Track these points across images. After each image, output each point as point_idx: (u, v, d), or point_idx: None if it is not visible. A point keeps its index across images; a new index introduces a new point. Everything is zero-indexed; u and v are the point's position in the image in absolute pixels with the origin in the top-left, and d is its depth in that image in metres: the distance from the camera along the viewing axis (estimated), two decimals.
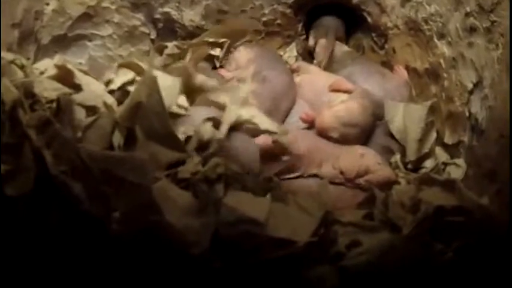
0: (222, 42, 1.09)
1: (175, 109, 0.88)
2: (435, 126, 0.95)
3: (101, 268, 0.59)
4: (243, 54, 1.05)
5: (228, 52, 1.09)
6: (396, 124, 0.95)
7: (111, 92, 0.91)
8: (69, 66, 0.84)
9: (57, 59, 0.91)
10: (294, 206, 0.64)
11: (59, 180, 0.56)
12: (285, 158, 0.87)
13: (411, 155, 0.92)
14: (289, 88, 1.00)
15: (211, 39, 1.09)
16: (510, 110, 0.69)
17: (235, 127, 0.86)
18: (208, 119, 0.84)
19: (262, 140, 0.85)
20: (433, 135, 0.94)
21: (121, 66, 0.95)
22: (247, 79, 0.99)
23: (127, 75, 0.93)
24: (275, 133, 0.87)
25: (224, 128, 0.83)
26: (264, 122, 0.88)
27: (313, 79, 1.04)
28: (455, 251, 0.61)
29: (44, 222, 0.57)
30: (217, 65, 1.08)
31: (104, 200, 0.57)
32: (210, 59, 1.09)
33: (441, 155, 0.94)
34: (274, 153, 0.86)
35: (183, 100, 0.91)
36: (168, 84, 0.89)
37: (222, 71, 1.03)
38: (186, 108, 0.89)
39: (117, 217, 0.58)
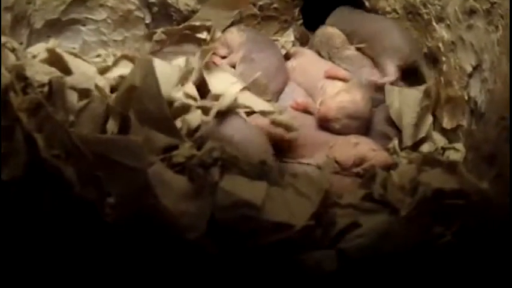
0: (209, 26, 1.07)
1: (184, 99, 0.86)
2: (430, 111, 0.94)
3: (95, 253, 0.58)
4: (235, 37, 1.04)
5: (215, 34, 1.07)
6: (394, 109, 0.94)
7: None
8: (59, 50, 0.83)
9: (52, 43, 0.90)
10: (291, 189, 0.63)
11: (51, 164, 0.55)
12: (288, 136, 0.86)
13: (407, 140, 0.91)
14: (277, 71, 0.99)
15: (197, 23, 1.08)
16: (510, 93, 0.68)
17: (230, 112, 0.85)
18: (198, 107, 0.83)
19: (257, 120, 0.84)
20: (429, 119, 0.94)
21: (123, 57, 0.93)
22: (237, 63, 0.99)
23: (127, 67, 0.92)
24: (272, 113, 0.86)
25: (212, 114, 0.82)
26: (259, 104, 0.87)
27: (307, 64, 1.03)
28: (454, 234, 0.60)
29: (36, 207, 0.57)
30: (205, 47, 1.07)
31: (97, 184, 0.56)
32: (198, 42, 1.08)
33: (439, 139, 0.93)
34: (274, 134, 0.85)
35: (193, 90, 0.89)
36: (167, 72, 0.88)
37: (216, 59, 1.02)
38: (196, 99, 0.88)
39: (111, 201, 0.57)
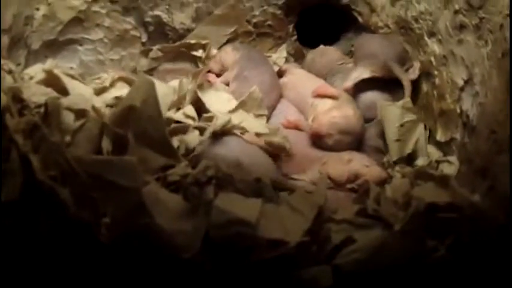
0: (204, 44, 1.09)
1: (183, 119, 0.88)
2: (418, 125, 0.94)
3: (91, 274, 0.59)
4: (229, 55, 1.05)
5: (210, 52, 1.09)
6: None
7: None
8: (56, 71, 0.84)
9: (49, 63, 0.91)
10: (286, 206, 0.64)
11: (46, 186, 0.55)
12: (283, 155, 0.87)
13: (393, 156, 0.92)
14: (270, 87, 1.00)
15: (193, 41, 1.09)
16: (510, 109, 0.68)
17: (226, 133, 0.85)
18: (195, 128, 0.84)
19: (252, 138, 0.85)
20: (417, 134, 0.94)
21: (120, 79, 0.94)
22: (230, 80, 1.00)
23: (123, 88, 0.93)
24: (266, 134, 0.86)
25: (207, 134, 0.83)
26: (254, 125, 0.88)
27: (297, 81, 1.04)
28: (448, 248, 0.60)
29: (32, 228, 0.57)
30: (200, 66, 1.08)
31: (93, 205, 0.57)
32: (193, 60, 1.09)
33: (434, 152, 0.94)
34: (270, 152, 0.86)
35: (191, 110, 0.91)
36: (163, 92, 0.89)
37: (210, 77, 1.03)
38: (194, 119, 0.89)
39: (107, 222, 0.57)
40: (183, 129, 0.86)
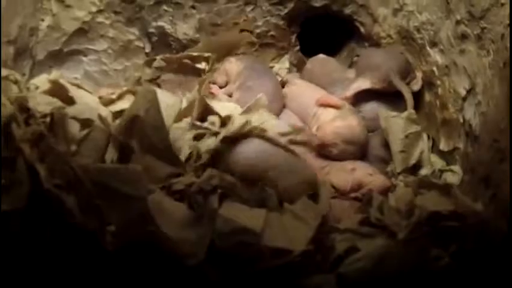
0: (207, 57, 1.10)
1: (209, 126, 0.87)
2: (422, 135, 0.95)
3: (97, 281, 0.59)
4: (233, 67, 1.06)
5: (213, 65, 1.09)
6: (386, 133, 0.95)
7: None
8: (62, 80, 0.85)
9: (54, 73, 0.91)
10: (290, 215, 0.64)
11: (52, 194, 0.56)
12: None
13: (397, 167, 0.92)
14: (273, 97, 1.00)
15: (195, 53, 1.10)
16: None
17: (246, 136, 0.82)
18: (213, 133, 0.84)
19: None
20: (421, 144, 0.94)
21: (128, 91, 0.94)
22: (234, 90, 1.01)
23: (131, 101, 0.93)
24: (290, 133, 0.87)
25: (218, 139, 0.83)
26: (275, 125, 0.87)
27: (299, 91, 1.05)
28: (452, 256, 0.61)
29: (38, 237, 0.57)
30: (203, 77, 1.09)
31: (98, 213, 0.57)
32: (196, 72, 1.10)
33: (437, 162, 0.94)
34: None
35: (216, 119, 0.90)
36: (170, 102, 0.90)
37: (213, 89, 1.04)
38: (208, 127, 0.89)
39: (112, 230, 0.58)
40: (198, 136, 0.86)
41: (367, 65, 1.04)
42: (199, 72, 1.09)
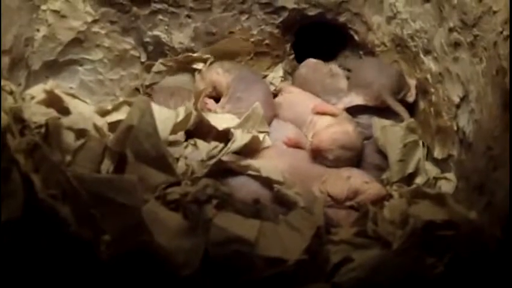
0: (206, 58, 1.10)
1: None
2: (419, 145, 0.95)
3: None
4: (221, 79, 1.06)
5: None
6: (381, 142, 0.96)
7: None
8: (57, 91, 0.85)
9: (50, 83, 0.92)
10: (284, 224, 0.64)
11: (47, 204, 0.56)
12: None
13: (394, 176, 0.92)
14: (263, 105, 1.00)
15: (195, 54, 1.11)
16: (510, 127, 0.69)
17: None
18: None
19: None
20: (418, 153, 0.94)
21: (124, 102, 0.94)
22: (224, 102, 1.02)
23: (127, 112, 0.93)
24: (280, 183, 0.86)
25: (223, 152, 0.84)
26: (269, 169, 0.87)
27: (294, 99, 1.05)
28: (447, 265, 0.61)
29: (33, 247, 0.57)
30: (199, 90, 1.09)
31: (93, 223, 0.57)
32: (193, 73, 1.11)
33: (431, 169, 0.94)
34: None
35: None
36: (165, 116, 0.90)
37: (209, 104, 1.04)
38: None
39: (107, 239, 0.58)
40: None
41: (359, 81, 1.05)
42: (194, 72, 1.10)
